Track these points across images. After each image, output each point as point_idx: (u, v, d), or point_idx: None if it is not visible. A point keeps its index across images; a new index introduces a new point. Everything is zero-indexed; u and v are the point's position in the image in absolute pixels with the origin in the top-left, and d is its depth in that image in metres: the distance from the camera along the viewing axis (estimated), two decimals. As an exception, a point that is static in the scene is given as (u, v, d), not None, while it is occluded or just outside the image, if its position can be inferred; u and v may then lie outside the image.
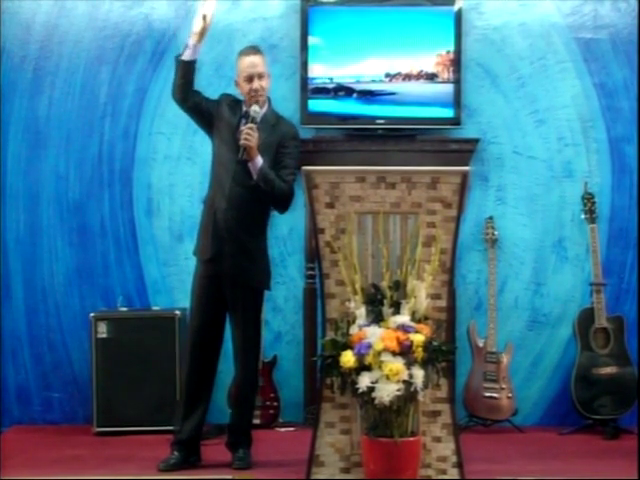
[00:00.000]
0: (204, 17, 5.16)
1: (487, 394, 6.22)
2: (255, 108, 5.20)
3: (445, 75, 6.35)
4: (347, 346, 4.64)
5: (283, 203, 5.28)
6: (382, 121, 6.36)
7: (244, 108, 5.29)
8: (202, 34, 5.19)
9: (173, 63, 5.29)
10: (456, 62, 6.34)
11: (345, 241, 4.83)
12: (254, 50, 5.34)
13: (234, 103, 5.35)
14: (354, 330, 4.69)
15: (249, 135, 5.10)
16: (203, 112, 5.30)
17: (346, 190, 4.89)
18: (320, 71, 6.35)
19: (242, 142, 5.11)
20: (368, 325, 4.67)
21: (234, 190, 5.21)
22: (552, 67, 6.48)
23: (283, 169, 5.24)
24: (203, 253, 5.31)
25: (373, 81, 6.36)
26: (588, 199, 6.33)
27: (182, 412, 5.36)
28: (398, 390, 4.53)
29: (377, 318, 4.70)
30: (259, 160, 5.15)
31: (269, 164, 5.20)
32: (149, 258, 6.44)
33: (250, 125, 5.13)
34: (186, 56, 5.21)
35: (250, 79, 5.24)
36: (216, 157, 5.33)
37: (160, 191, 6.47)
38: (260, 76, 5.24)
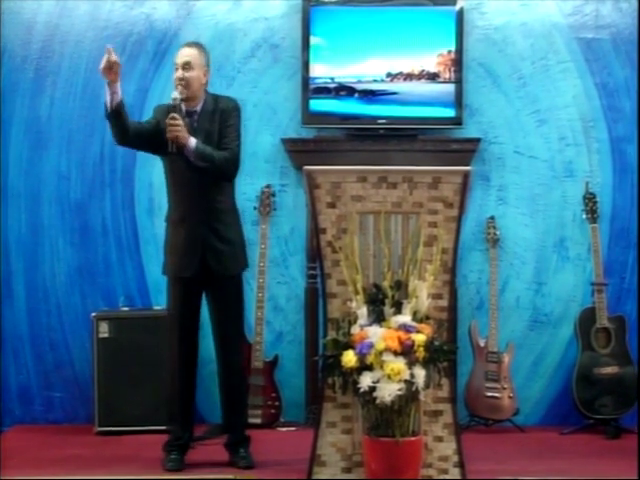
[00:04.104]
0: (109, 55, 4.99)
1: (488, 394, 6.23)
2: (174, 95, 5.17)
3: (446, 75, 6.36)
4: (348, 346, 4.64)
5: (227, 171, 5.25)
6: (383, 121, 6.37)
7: (182, 104, 5.23)
8: (112, 71, 4.99)
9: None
10: (457, 62, 6.34)
11: (346, 241, 4.83)
12: (190, 44, 5.36)
13: (167, 109, 5.25)
14: (355, 330, 4.69)
15: (171, 126, 5.08)
16: (148, 136, 5.21)
17: (348, 190, 4.89)
18: (321, 71, 6.36)
19: (167, 135, 5.09)
20: (369, 325, 4.67)
21: (198, 198, 5.20)
22: (553, 67, 6.48)
23: (223, 139, 5.24)
24: (181, 270, 5.26)
25: (374, 81, 6.36)
26: (589, 199, 6.33)
27: (174, 409, 5.37)
28: (399, 390, 4.53)
29: (378, 318, 4.70)
30: (191, 142, 5.12)
31: (217, 143, 5.21)
32: (150, 258, 6.44)
33: (171, 115, 5.10)
34: (112, 104, 5.03)
35: (177, 68, 5.23)
36: (169, 171, 5.29)
37: (161, 190, 6.41)
38: (186, 66, 5.21)
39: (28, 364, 6.45)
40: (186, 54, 5.25)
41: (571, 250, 6.47)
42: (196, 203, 5.21)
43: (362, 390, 4.56)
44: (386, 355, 4.55)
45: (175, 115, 5.10)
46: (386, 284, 4.75)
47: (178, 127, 5.08)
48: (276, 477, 5.15)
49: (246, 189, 6.33)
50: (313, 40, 6.33)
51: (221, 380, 5.39)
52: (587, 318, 6.23)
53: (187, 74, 5.21)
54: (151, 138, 5.22)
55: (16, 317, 6.44)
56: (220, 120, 5.25)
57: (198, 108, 5.25)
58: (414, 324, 4.66)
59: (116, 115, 5.07)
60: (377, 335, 4.59)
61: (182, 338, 5.30)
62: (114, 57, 4.97)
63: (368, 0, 6.37)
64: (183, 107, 5.21)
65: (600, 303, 6.22)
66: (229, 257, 5.30)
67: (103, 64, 4.98)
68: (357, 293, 4.76)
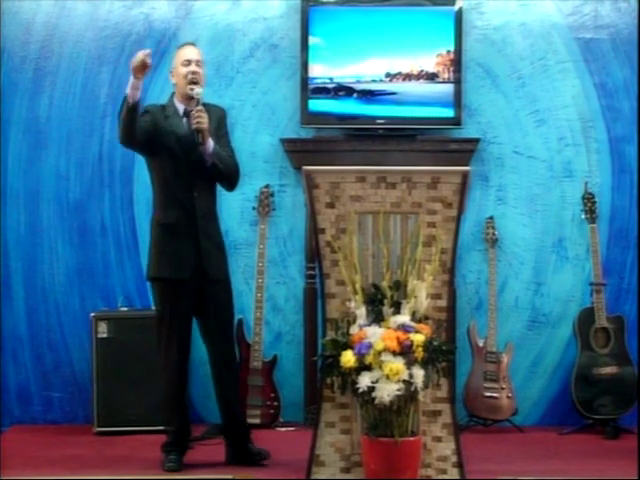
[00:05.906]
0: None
1: (487, 394, 6.23)
2: (197, 90, 5.18)
3: (445, 75, 6.36)
4: (347, 346, 4.64)
5: (234, 180, 5.35)
6: (382, 121, 6.37)
7: (176, 104, 5.25)
8: (144, 71, 5.03)
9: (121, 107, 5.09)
10: (456, 62, 6.34)
11: (345, 241, 4.83)
12: (194, 43, 5.43)
13: (161, 109, 5.29)
14: (354, 330, 4.69)
15: (200, 117, 5.10)
16: (151, 136, 5.19)
17: (346, 190, 4.89)
18: (320, 71, 6.35)
19: (195, 126, 5.10)
20: (368, 325, 4.67)
21: (192, 202, 5.19)
22: (552, 67, 6.48)
23: (222, 147, 5.25)
24: (177, 273, 5.21)
25: (373, 81, 6.36)
26: (588, 199, 6.33)
27: (171, 410, 5.36)
28: (398, 390, 4.53)
29: (377, 318, 4.70)
30: (210, 142, 5.16)
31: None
32: (149, 258, 6.44)
33: (199, 107, 5.12)
34: (135, 99, 5.03)
35: (189, 63, 5.24)
36: (161, 173, 5.25)
37: (160, 191, 6.46)
38: (198, 63, 5.26)
39: (27, 364, 6.45)
40: (196, 52, 5.30)
41: (570, 250, 6.47)
42: (190, 207, 5.20)
43: (361, 390, 4.56)
44: (385, 355, 4.54)
45: (202, 109, 5.12)
46: (385, 284, 4.75)
47: (204, 121, 5.11)
48: (275, 477, 5.14)
49: (245, 189, 6.33)
50: (312, 40, 6.33)
51: (223, 380, 5.36)
52: (586, 318, 6.23)
53: (200, 70, 5.26)
54: (151, 138, 5.21)
55: (15, 317, 6.43)
56: (214, 127, 5.25)
57: (202, 96, 5.21)
58: (413, 324, 4.66)
59: (134, 110, 5.04)
60: (376, 335, 4.59)
61: (178, 340, 5.26)
62: (150, 60, 4.99)
63: (367, 0, 6.37)
64: (201, 98, 5.19)
65: (599, 303, 6.22)
66: (222, 260, 5.34)
67: (138, 62, 4.98)
68: (356, 293, 4.76)
